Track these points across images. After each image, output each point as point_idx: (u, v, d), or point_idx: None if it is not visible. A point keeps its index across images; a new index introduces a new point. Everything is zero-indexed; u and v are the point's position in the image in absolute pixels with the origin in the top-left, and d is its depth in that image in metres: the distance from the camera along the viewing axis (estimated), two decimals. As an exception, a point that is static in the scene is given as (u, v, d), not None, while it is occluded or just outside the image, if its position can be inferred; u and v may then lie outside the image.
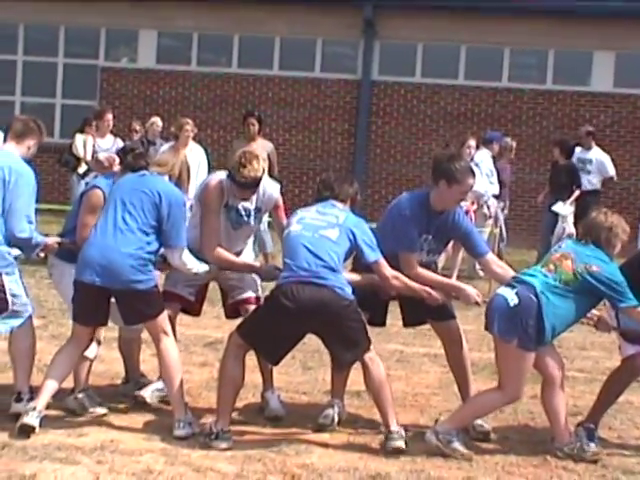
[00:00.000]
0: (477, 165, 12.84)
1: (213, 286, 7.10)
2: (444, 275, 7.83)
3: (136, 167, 6.59)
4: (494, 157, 14.09)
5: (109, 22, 20.00)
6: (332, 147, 19.90)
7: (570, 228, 13.61)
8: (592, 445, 6.32)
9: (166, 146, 12.17)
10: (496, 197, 13.97)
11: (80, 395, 6.64)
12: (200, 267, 6.54)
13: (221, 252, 6.62)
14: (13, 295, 6.36)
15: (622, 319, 6.45)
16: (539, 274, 6.23)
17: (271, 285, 6.47)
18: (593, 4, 18.79)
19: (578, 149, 14.84)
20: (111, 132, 13.52)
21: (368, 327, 6.34)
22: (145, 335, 6.81)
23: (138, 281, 6.18)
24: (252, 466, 5.80)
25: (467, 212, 10.95)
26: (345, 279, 6.21)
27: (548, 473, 6.01)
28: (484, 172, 13.33)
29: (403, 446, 6.12)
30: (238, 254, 6.88)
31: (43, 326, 8.90)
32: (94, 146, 13.24)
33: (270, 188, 6.84)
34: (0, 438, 6.01)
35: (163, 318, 6.36)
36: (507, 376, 6.19)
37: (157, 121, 14.90)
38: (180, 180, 6.56)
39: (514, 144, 15.39)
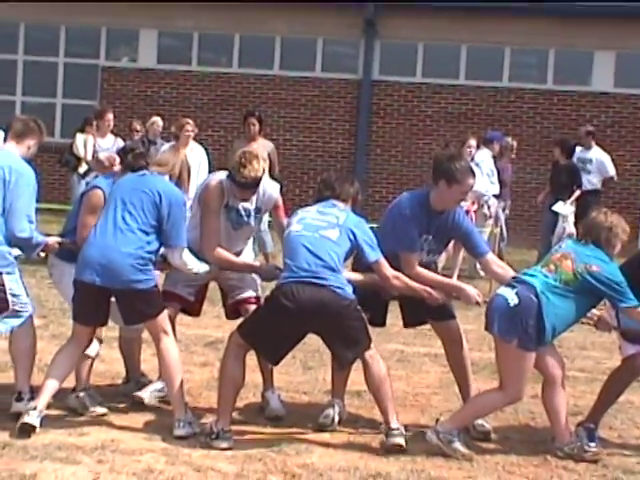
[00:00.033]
0: (478, 165, 12.84)
1: (213, 286, 7.10)
2: (445, 275, 7.84)
3: (136, 167, 6.60)
4: (494, 157, 14.10)
5: (110, 22, 20.00)
6: (333, 147, 19.89)
7: (570, 228, 13.61)
8: (592, 445, 6.32)
9: (167, 146, 12.16)
10: (497, 197, 13.98)
11: (81, 394, 6.65)
12: (200, 267, 6.54)
13: (221, 252, 6.62)
14: (13, 295, 6.36)
15: (622, 319, 6.45)
16: (539, 274, 6.23)
17: (271, 285, 6.47)
18: (594, 4, 18.78)
19: (578, 149, 14.84)
20: (112, 132, 13.53)
21: (368, 327, 6.34)
22: (146, 335, 6.82)
23: (138, 281, 6.19)
24: (253, 466, 5.80)
25: (467, 212, 10.95)
26: (345, 279, 6.21)
27: (549, 473, 6.01)
28: (485, 172, 13.34)
29: (403, 443, 6.12)
30: (238, 254, 6.88)
31: (44, 326, 8.90)
32: (95, 146, 13.24)
33: (270, 188, 6.84)
34: (1, 437, 6.01)
35: (163, 318, 6.36)
36: (508, 376, 6.19)
37: (158, 121, 14.89)
38: (180, 180, 6.57)
39: (515, 144, 15.39)
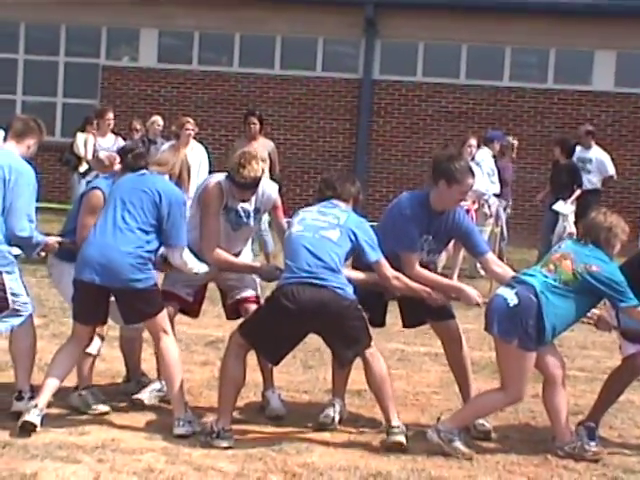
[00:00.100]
0: (478, 164, 12.84)
1: (214, 286, 7.10)
2: (445, 274, 7.85)
3: (136, 167, 6.60)
4: (495, 156, 14.10)
5: (110, 21, 19.99)
6: (333, 146, 19.88)
7: (571, 227, 13.61)
8: (593, 444, 6.32)
9: (167, 145, 12.16)
10: (497, 196, 13.98)
11: (84, 392, 6.66)
12: (201, 267, 6.54)
13: (221, 253, 6.62)
14: (13, 294, 6.36)
15: (622, 318, 6.45)
16: (539, 274, 6.22)
17: (271, 285, 6.47)
18: (594, 3, 18.80)
19: (578, 148, 14.84)
20: (112, 131, 13.52)
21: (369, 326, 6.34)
22: (146, 334, 6.81)
23: (137, 280, 6.19)
24: (253, 465, 5.80)
25: (468, 211, 10.96)
26: (346, 279, 6.20)
27: (549, 472, 6.01)
28: (485, 171, 13.34)
29: (404, 441, 6.13)
30: (237, 255, 6.88)
31: (44, 325, 8.91)
32: (95, 145, 13.25)
33: (269, 189, 6.84)
34: (1, 437, 6.01)
35: (163, 317, 6.36)
36: (509, 377, 6.18)
37: (158, 120, 14.90)
38: (180, 179, 6.56)
39: (516, 143, 15.40)
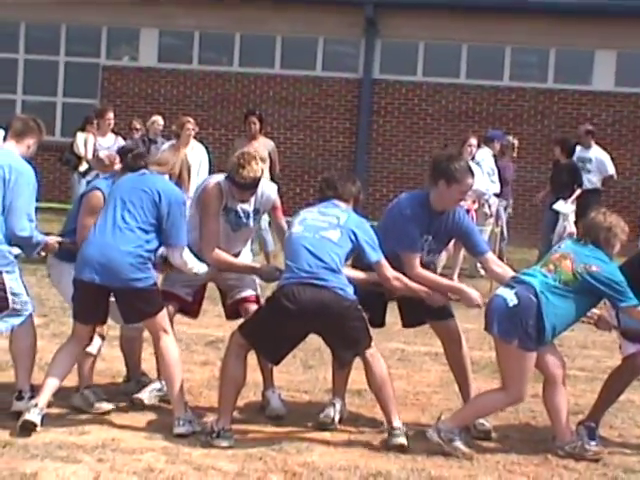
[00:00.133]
0: (478, 164, 12.85)
1: (214, 285, 7.10)
2: (445, 274, 7.84)
3: (135, 167, 6.60)
4: (495, 156, 14.10)
5: (110, 20, 20.00)
6: (333, 146, 19.89)
7: (571, 227, 13.60)
8: (593, 444, 6.32)
9: (167, 144, 12.17)
10: (498, 196, 13.98)
11: (85, 391, 6.67)
12: (201, 267, 6.54)
13: (220, 254, 6.61)
14: (14, 294, 6.36)
15: (622, 318, 6.45)
16: (538, 274, 6.22)
17: (271, 285, 6.47)
18: (594, 3, 18.80)
19: (578, 148, 14.84)
20: (112, 131, 13.52)
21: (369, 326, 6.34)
22: (146, 334, 6.81)
23: (137, 279, 6.19)
24: (253, 464, 5.80)
25: (468, 211, 10.96)
26: (346, 278, 6.21)
27: (549, 472, 6.01)
28: (485, 171, 13.34)
29: (405, 443, 6.13)
30: (237, 255, 6.88)
31: (44, 325, 8.91)
32: (95, 145, 13.25)
33: (268, 189, 6.84)
34: (1, 436, 6.01)
35: (162, 316, 6.36)
36: (509, 377, 6.18)
37: (158, 120, 14.91)
38: (180, 179, 6.56)
39: (516, 142, 15.40)
